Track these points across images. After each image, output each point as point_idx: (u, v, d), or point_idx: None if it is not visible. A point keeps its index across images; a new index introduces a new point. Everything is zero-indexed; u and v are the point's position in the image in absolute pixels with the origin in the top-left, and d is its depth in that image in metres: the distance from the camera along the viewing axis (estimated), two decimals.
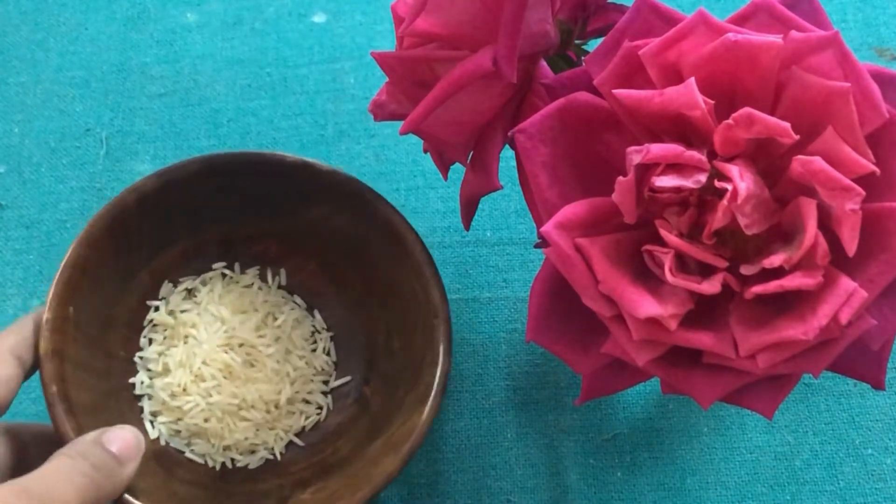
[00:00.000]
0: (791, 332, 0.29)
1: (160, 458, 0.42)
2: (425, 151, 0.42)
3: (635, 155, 0.30)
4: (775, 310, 0.30)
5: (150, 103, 0.55)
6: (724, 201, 0.29)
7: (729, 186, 0.29)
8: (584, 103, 0.33)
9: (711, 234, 0.30)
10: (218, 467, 0.43)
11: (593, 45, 0.36)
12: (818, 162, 0.29)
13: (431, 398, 0.40)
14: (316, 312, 0.47)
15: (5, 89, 0.56)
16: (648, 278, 0.31)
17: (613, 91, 0.32)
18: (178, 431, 0.43)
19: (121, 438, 0.37)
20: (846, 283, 0.29)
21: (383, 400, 0.44)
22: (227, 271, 0.47)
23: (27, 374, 0.39)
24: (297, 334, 0.45)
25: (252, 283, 0.47)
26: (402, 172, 0.53)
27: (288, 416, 0.44)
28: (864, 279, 0.30)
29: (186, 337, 0.44)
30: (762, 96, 0.30)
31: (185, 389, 0.43)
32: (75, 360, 0.41)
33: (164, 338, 0.45)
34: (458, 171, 0.42)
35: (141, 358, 0.45)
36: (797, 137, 0.29)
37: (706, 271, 0.31)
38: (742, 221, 0.29)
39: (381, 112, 0.39)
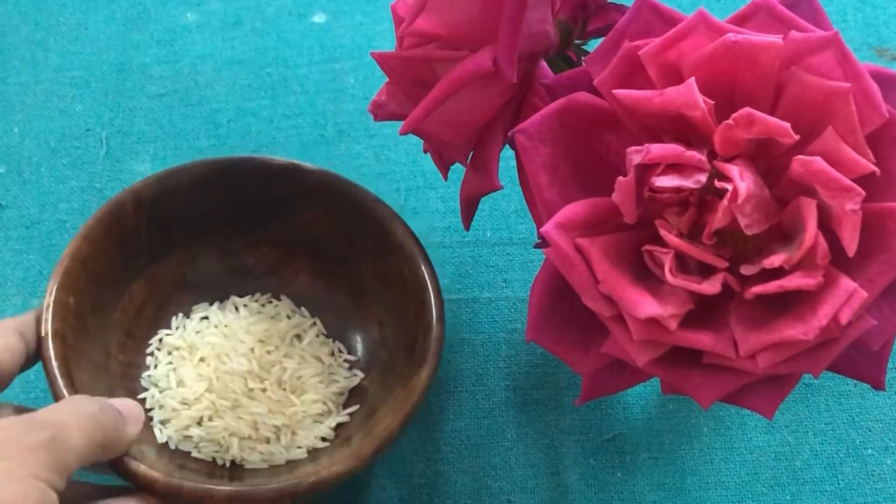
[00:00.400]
0: (791, 332, 0.29)
1: (162, 451, 0.42)
2: (425, 151, 0.42)
3: (635, 155, 0.30)
4: (775, 310, 0.30)
5: (150, 103, 0.55)
6: (724, 201, 0.29)
7: (729, 186, 0.29)
8: (584, 103, 0.33)
9: (711, 234, 0.30)
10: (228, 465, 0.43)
11: (593, 45, 0.36)
12: (818, 162, 0.29)
13: (429, 359, 0.41)
14: (337, 342, 0.47)
15: (5, 89, 0.56)
16: (648, 278, 0.31)
17: (613, 91, 0.32)
18: (188, 437, 0.43)
19: (123, 403, 0.38)
20: (846, 283, 0.29)
21: (379, 385, 0.44)
22: (240, 300, 0.47)
23: (29, 358, 0.39)
24: (321, 353, 0.45)
25: (275, 309, 0.46)
26: (402, 172, 0.53)
27: (303, 434, 0.44)
28: (864, 279, 0.30)
29: (203, 359, 0.44)
30: (762, 96, 0.30)
31: (201, 405, 0.43)
32: (76, 348, 0.41)
33: (173, 357, 0.45)
34: (458, 171, 0.42)
35: (149, 376, 0.44)
36: (797, 137, 0.29)
37: (706, 271, 0.31)
38: (742, 221, 0.29)
39: (381, 112, 0.39)
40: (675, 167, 0.30)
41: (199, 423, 0.42)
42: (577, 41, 0.39)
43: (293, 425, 0.43)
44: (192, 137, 0.54)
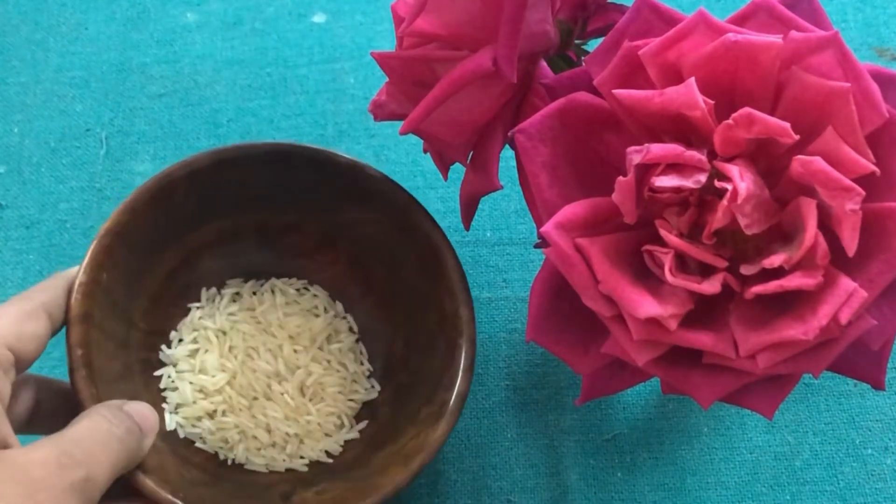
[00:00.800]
0: (791, 332, 0.29)
1: (167, 436, 0.42)
2: (425, 151, 0.42)
3: (635, 155, 0.30)
4: (775, 310, 0.30)
5: (150, 103, 0.55)
6: (724, 201, 0.29)
7: (729, 186, 0.29)
8: (584, 103, 0.33)
9: (711, 234, 0.30)
10: (229, 462, 0.43)
11: (593, 45, 0.36)
12: (818, 162, 0.29)
13: (447, 415, 0.40)
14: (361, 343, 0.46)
15: (5, 89, 0.56)
16: (648, 278, 0.31)
17: (613, 91, 0.32)
18: (197, 428, 0.43)
19: (139, 412, 0.37)
20: (846, 283, 0.29)
21: (393, 410, 0.43)
22: (280, 283, 0.46)
23: (54, 332, 0.39)
24: (346, 360, 0.45)
25: (311, 301, 0.46)
26: (402, 172, 0.53)
27: (311, 445, 0.43)
28: (864, 279, 0.30)
29: (231, 349, 0.44)
30: (762, 96, 0.30)
31: (218, 398, 0.42)
32: (101, 325, 0.40)
33: (199, 336, 0.44)
34: (458, 171, 0.42)
35: (171, 354, 0.44)
36: (797, 137, 0.29)
37: (706, 271, 0.31)
38: (742, 221, 0.29)
39: (381, 112, 0.39)
40: (675, 167, 0.30)
41: (212, 416, 0.42)
42: (577, 41, 0.39)
43: (303, 434, 0.43)
44: (192, 137, 0.54)
